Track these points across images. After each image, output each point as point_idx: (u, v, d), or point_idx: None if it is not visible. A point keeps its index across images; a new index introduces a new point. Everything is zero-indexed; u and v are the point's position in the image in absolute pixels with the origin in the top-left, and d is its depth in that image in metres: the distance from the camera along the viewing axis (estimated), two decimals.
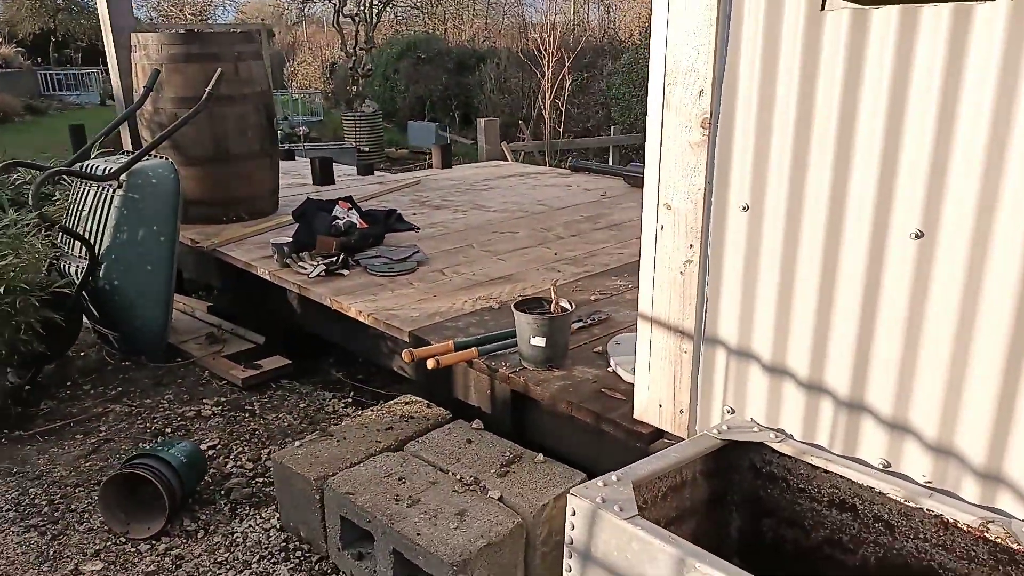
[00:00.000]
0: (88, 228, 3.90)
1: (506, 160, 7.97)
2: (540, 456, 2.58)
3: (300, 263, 3.91)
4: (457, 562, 2.07)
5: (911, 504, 1.69)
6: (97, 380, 3.83)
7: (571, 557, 1.64)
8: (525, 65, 12.29)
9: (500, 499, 2.35)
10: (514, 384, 2.75)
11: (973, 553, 1.62)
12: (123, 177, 3.81)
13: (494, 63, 15.26)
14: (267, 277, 3.96)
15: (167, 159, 4.11)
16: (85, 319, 3.97)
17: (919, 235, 1.60)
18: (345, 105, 16.00)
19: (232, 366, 3.93)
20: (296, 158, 8.03)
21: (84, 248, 3.75)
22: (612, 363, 2.78)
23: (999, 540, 1.56)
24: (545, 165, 8.51)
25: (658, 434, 2.32)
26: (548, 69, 9.81)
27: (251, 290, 4.31)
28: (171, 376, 3.90)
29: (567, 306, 2.80)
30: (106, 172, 3.83)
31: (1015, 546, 1.54)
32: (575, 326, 3.13)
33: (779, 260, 1.86)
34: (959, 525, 1.62)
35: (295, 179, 6.47)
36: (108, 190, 3.86)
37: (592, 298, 3.55)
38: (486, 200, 5.68)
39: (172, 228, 3.91)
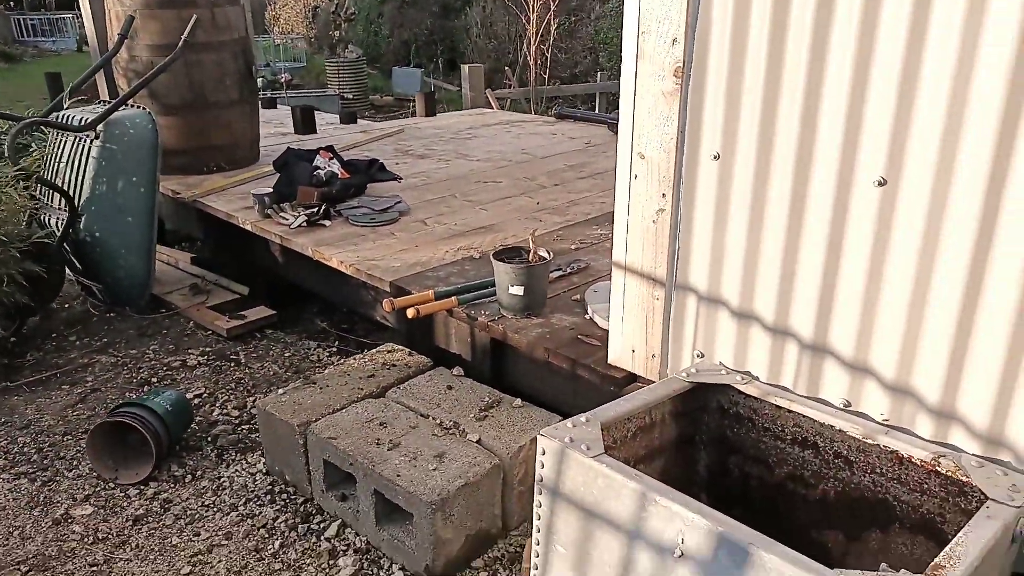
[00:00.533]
0: (66, 179, 3.87)
1: (491, 108, 7.89)
2: (518, 401, 2.65)
3: (281, 214, 3.91)
4: (435, 501, 2.14)
5: (869, 441, 1.76)
6: (82, 331, 3.86)
7: (541, 494, 1.71)
8: (511, 9, 12.05)
9: (478, 442, 2.42)
10: (493, 332, 2.80)
11: (925, 486, 1.70)
12: (100, 127, 3.77)
13: (480, 6, 14.94)
14: (249, 228, 3.96)
15: (144, 108, 4.06)
16: (68, 271, 3.97)
17: (882, 183, 1.64)
18: (328, 50, 15.66)
19: (217, 316, 3.96)
20: (278, 106, 7.92)
21: (63, 200, 3.73)
22: (589, 311, 2.83)
23: (949, 473, 1.64)
24: (531, 112, 8.43)
25: (631, 378, 2.38)
26: (534, 13, 9.62)
27: (233, 241, 4.31)
28: (156, 327, 3.93)
29: (545, 255, 2.83)
30: (83, 122, 3.78)
31: (964, 478, 1.61)
32: (554, 275, 3.17)
33: (748, 208, 1.89)
34: (913, 460, 1.70)
35: (277, 128, 6.39)
36: (85, 141, 3.82)
37: (572, 247, 3.58)
38: (470, 149, 5.65)
39: (151, 178, 3.89)
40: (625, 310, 2.28)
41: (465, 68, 7.98)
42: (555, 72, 11.26)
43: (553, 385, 2.74)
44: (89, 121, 3.77)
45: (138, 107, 4.08)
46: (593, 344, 2.60)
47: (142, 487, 2.67)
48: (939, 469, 1.66)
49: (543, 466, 1.69)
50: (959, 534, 1.38)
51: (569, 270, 3.24)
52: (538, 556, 1.77)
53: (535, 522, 1.74)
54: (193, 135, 4.78)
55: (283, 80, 12.67)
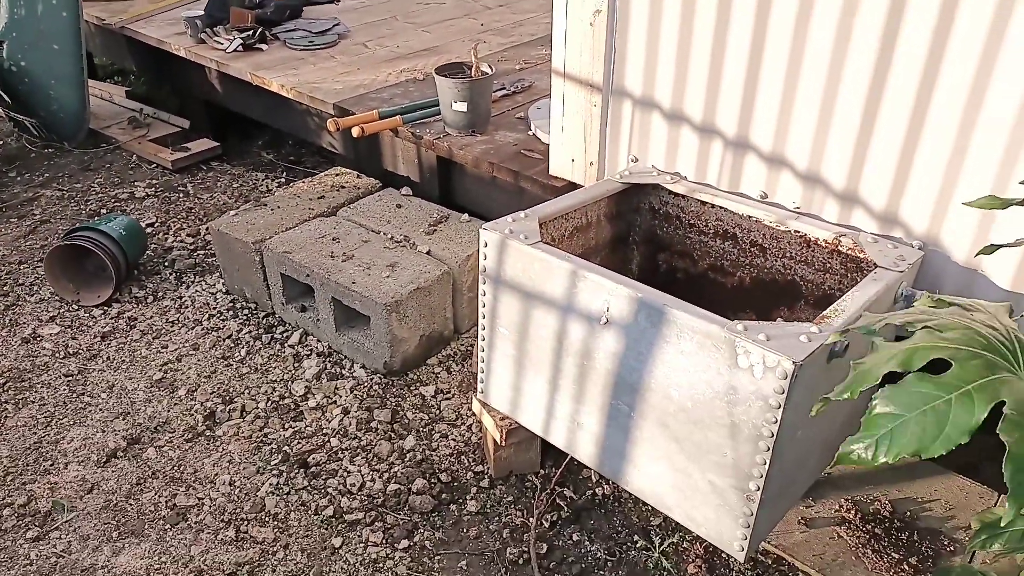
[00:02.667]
0: None
1: None
2: (465, 216, 2.77)
3: (216, 38, 3.76)
4: (390, 303, 2.30)
5: (781, 228, 1.93)
6: (22, 167, 3.79)
7: (484, 283, 1.86)
8: None
9: (428, 252, 2.55)
10: (439, 150, 2.86)
11: (828, 265, 1.90)
12: None
13: None
14: (183, 54, 3.82)
15: None
16: None
17: None
18: None
19: (160, 149, 3.90)
20: None
21: None
22: (532, 126, 2.89)
23: (849, 251, 1.83)
24: None
25: (571, 187, 2.50)
26: None
27: (169, 71, 4.16)
28: (98, 161, 3.87)
29: (487, 70, 2.84)
30: None
31: (860, 255, 1.81)
32: (499, 94, 3.19)
33: (680, 4, 1.93)
34: (818, 242, 1.88)
35: None
36: None
37: (517, 67, 3.57)
38: None
39: (72, 0, 3.67)
40: (564, 119, 2.36)
41: None
42: None
43: (498, 200, 2.85)
44: None
45: None
46: (536, 158, 2.69)
47: (105, 308, 2.78)
48: (840, 248, 1.85)
49: (486, 257, 1.83)
50: (847, 293, 1.58)
51: (513, 89, 3.26)
52: (484, 340, 1.95)
53: (480, 309, 1.91)
54: None
55: None
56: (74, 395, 2.39)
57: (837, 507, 1.89)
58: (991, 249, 1.14)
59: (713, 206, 2.05)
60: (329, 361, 2.51)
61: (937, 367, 0.96)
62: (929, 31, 1.58)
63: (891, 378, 0.97)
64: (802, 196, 1.93)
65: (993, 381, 0.94)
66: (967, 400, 0.92)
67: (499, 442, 2.00)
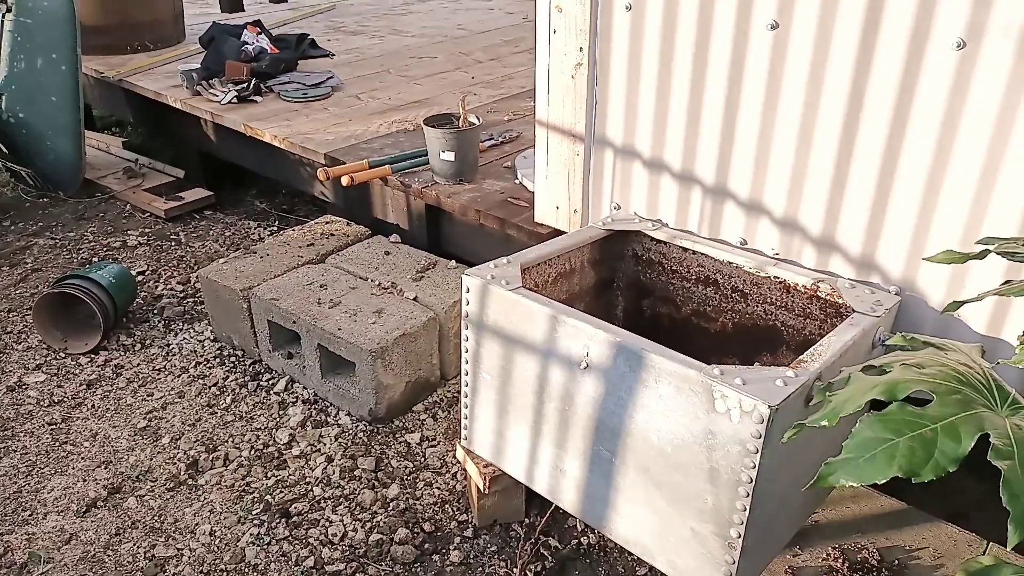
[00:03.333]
0: None
1: None
2: (453, 263, 2.79)
3: (211, 90, 3.84)
4: (375, 349, 2.30)
5: (761, 274, 1.95)
6: (16, 217, 3.82)
7: (467, 328, 1.87)
8: None
9: (415, 299, 2.57)
10: (427, 198, 2.90)
11: (808, 310, 1.92)
12: (11, 0, 3.60)
13: None
14: (178, 106, 3.89)
15: None
16: None
17: (775, 26, 1.75)
18: None
19: (153, 199, 3.95)
20: None
21: None
22: (519, 175, 2.94)
23: (827, 296, 1.85)
24: None
25: (556, 234, 2.52)
26: None
27: (165, 122, 4.24)
28: (92, 210, 3.91)
29: (475, 120, 2.90)
30: None
31: (839, 300, 1.82)
32: (487, 144, 3.25)
33: (658, 57, 1.98)
34: (798, 287, 1.90)
35: (202, 8, 6.12)
36: None
37: (506, 118, 3.65)
38: (404, 25, 5.53)
39: (71, 55, 3.76)
40: (549, 167, 2.40)
41: None
42: None
43: (486, 247, 2.88)
44: None
45: None
46: (522, 205, 2.73)
47: (92, 356, 2.77)
48: (819, 294, 1.87)
49: (468, 302, 1.85)
50: (824, 338, 1.59)
51: (501, 139, 3.32)
52: (467, 386, 1.95)
53: (463, 355, 1.91)
54: (113, 11, 4.59)
55: None
56: (57, 444, 2.37)
57: (824, 555, 1.86)
58: (955, 306, 1.15)
59: (694, 252, 2.08)
60: (314, 408, 2.50)
61: (914, 404, 0.97)
62: (894, 89, 1.63)
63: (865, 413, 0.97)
64: (780, 242, 1.95)
65: (976, 415, 0.94)
66: (952, 430, 0.91)
67: (483, 490, 1.98)
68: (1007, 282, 1.07)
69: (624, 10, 2.00)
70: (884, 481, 0.90)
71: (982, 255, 1.09)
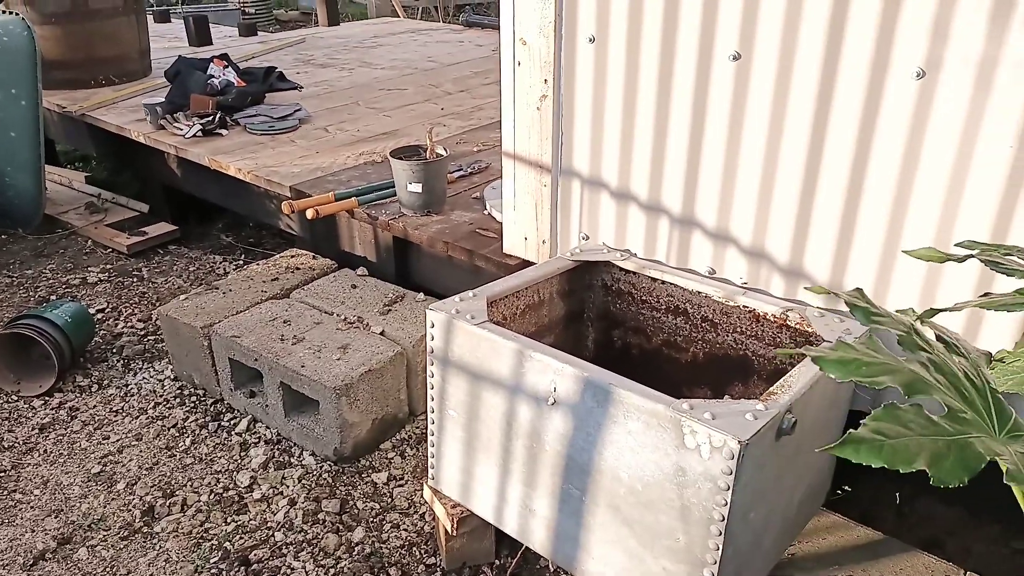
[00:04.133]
0: None
1: (397, 16, 7.67)
2: (421, 296, 2.74)
3: (175, 124, 3.79)
4: (340, 386, 2.24)
5: (730, 303, 1.93)
6: None
7: (433, 364, 1.82)
8: None
9: (382, 333, 2.51)
10: (394, 230, 2.86)
11: (778, 339, 1.89)
12: None
13: None
14: (142, 140, 3.83)
15: (18, 15, 3.81)
16: None
17: (737, 57, 1.75)
18: None
19: (116, 234, 3.86)
20: (172, 20, 7.48)
21: None
22: (488, 206, 2.91)
23: (797, 325, 1.83)
24: (439, 21, 8.23)
25: (525, 265, 2.49)
26: None
27: (129, 157, 4.17)
28: (52, 247, 3.81)
29: (442, 152, 2.88)
30: None
31: (808, 329, 1.80)
32: (455, 175, 3.23)
33: (622, 89, 1.98)
34: (767, 316, 1.88)
35: (171, 42, 6.08)
36: None
37: (475, 149, 3.63)
38: (374, 58, 5.53)
39: (32, 90, 3.69)
40: (516, 198, 2.37)
41: None
42: None
43: (455, 278, 2.84)
44: None
45: (12, 13, 3.82)
46: (491, 237, 2.69)
47: (47, 398, 2.67)
48: (788, 323, 1.85)
49: (433, 338, 1.80)
50: (793, 369, 1.57)
51: (470, 170, 3.30)
52: (433, 423, 1.89)
53: (429, 391, 1.86)
54: (77, 47, 4.53)
55: None
56: (4, 492, 2.26)
57: None
58: (931, 313, 1.13)
59: (663, 282, 2.05)
60: (277, 449, 2.42)
61: None
62: (857, 118, 1.63)
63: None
64: (748, 271, 1.94)
65: (979, 440, 0.91)
66: (970, 447, 0.89)
67: (451, 532, 1.92)
68: (986, 294, 1.05)
69: (587, 43, 1.99)
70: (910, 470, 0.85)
71: (963, 259, 1.07)
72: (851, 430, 0.89)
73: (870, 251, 1.72)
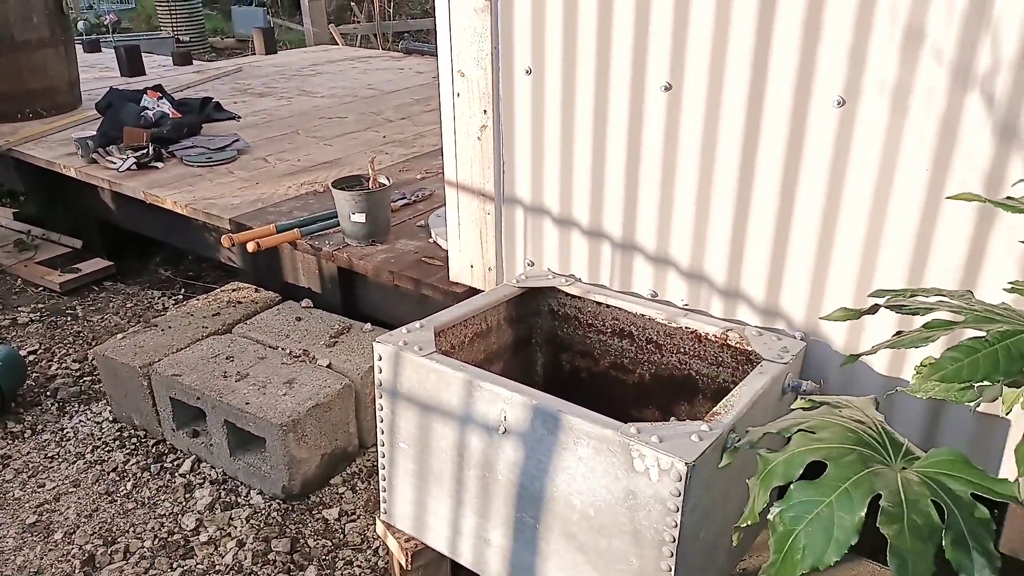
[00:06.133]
0: None
1: (336, 44, 7.65)
2: (368, 326, 2.72)
3: (108, 158, 3.69)
4: (287, 423, 2.20)
5: (672, 325, 1.98)
6: None
7: (381, 397, 1.81)
8: None
9: (329, 366, 2.48)
10: (339, 261, 2.84)
11: (720, 358, 1.94)
12: None
13: None
14: (74, 175, 3.72)
15: None
16: None
17: (668, 87, 1.81)
18: None
19: (47, 271, 3.73)
20: (103, 49, 7.31)
21: None
22: (433, 234, 2.92)
23: (737, 344, 1.88)
24: (378, 48, 8.24)
25: (472, 293, 2.50)
26: None
27: (60, 192, 4.04)
28: None
29: (385, 181, 2.88)
30: None
31: (748, 348, 1.86)
32: (399, 203, 3.23)
33: (560, 119, 2.02)
34: (708, 336, 1.93)
35: (102, 72, 5.94)
36: None
37: (419, 177, 3.64)
38: (313, 86, 5.50)
39: None
40: (461, 227, 2.39)
41: (305, 3, 7.66)
42: (404, 9, 11.00)
43: (402, 308, 2.83)
44: None
45: None
46: (436, 265, 2.70)
47: None
48: (729, 342, 1.90)
49: (381, 370, 1.79)
50: (735, 388, 1.61)
51: (414, 198, 3.31)
52: (384, 456, 1.88)
53: (378, 424, 1.85)
54: (3, 79, 4.39)
55: (109, 22, 11.61)
56: None
57: None
58: (852, 359, 1.18)
59: (608, 306, 2.09)
60: (224, 489, 2.36)
61: (819, 470, 0.98)
62: (783, 144, 1.70)
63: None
64: (688, 293, 1.99)
65: (867, 475, 0.96)
66: (846, 498, 0.92)
67: (405, 566, 1.90)
68: (898, 333, 1.10)
69: (524, 74, 2.03)
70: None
71: (873, 310, 1.13)
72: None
73: (802, 273, 1.79)
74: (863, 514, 0.91)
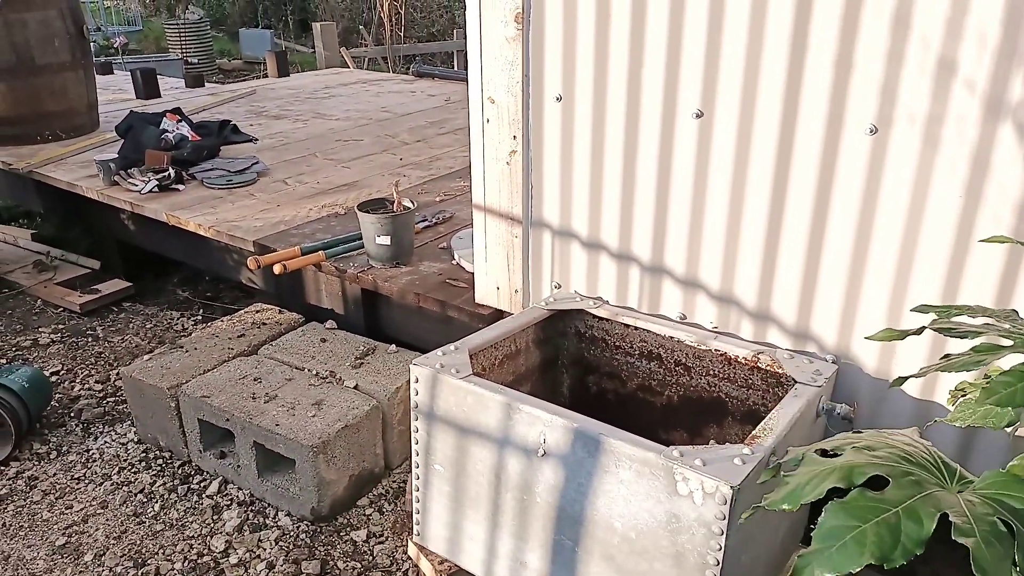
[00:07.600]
0: None
1: (347, 67, 7.74)
2: (393, 347, 2.74)
3: (130, 180, 3.73)
4: (317, 444, 2.22)
5: (702, 347, 2.00)
6: None
7: (417, 419, 1.83)
8: None
9: (356, 387, 2.50)
10: (363, 283, 2.87)
11: (750, 381, 1.96)
12: None
13: None
14: (95, 197, 3.76)
15: None
16: None
17: (700, 115, 1.84)
18: (167, 12, 14.63)
19: (67, 292, 3.76)
20: (115, 72, 7.39)
21: None
22: (456, 256, 2.94)
23: (768, 367, 1.90)
24: (388, 71, 8.33)
25: (498, 314, 2.53)
26: None
27: (80, 213, 4.08)
28: None
29: (409, 204, 2.91)
30: None
31: (779, 371, 1.88)
32: (421, 226, 3.26)
33: (590, 145, 2.06)
34: (739, 359, 1.95)
35: (116, 94, 6.01)
36: None
37: (437, 199, 3.68)
38: (328, 108, 5.57)
39: None
40: (487, 249, 2.42)
41: (317, 26, 7.76)
42: (412, 32, 11.13)
43: (426, 329, 2.85)
44: None
45: None
46: (461, 286, 2.73)
47: (2, 468, 2.56)
48: (759, 365, 1.92)
49: (417, 393, 1.81)
50: (772, 411, 1.63)
51: (435, 220, 3.34)
52: (418, 479, 1.89)
53: (413, 447, 1.86)
54: (22, 101, 4.44)
55: (118, 45, 11.74)
56: None
57: None
58: (900, 382, 1.20)
59: (636, 328, 2.11)
60: (251, 511, 2.36)
61: (871, 485, 0.99)
62: (815, 170, 1.73)
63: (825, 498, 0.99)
64: (718, 316, 2.01)
65: (931, 495, 0.97)
66: (913, 513, 0.93)
67: None
68: (946, 356, 1.12)
69: (554, 101, 2.07)
70: (858, 569, 0.91)
71: (919, 331, 1.15)
72: (799, 556, 0.93)
73: (833, 296, 1.81)
74: (931, 529, 0.92)
